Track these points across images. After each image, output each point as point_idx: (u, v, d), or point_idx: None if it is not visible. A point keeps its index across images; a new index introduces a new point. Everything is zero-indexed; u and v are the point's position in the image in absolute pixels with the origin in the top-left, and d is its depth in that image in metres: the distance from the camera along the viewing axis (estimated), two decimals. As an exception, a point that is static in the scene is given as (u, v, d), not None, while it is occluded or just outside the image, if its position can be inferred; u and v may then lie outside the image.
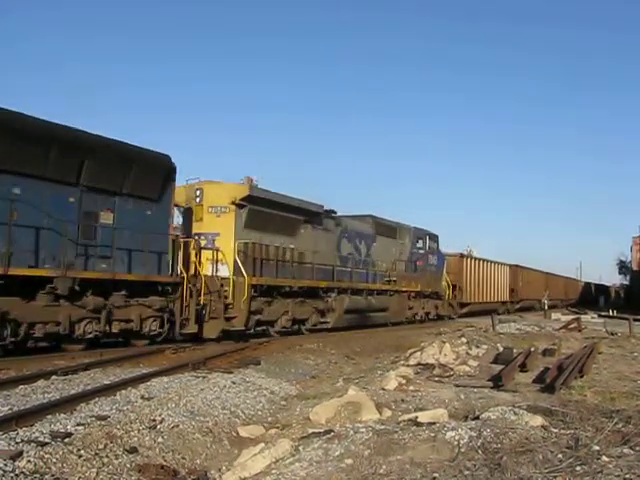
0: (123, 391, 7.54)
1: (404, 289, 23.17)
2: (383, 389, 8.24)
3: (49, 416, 6.02)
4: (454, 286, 28.77)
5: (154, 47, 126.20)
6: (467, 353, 12.36)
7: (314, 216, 17.75)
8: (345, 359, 13.26)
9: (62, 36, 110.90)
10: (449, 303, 28.41)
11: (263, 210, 15.59)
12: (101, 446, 5.29)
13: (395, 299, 22.50)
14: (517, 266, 41.31)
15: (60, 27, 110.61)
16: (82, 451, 5.10)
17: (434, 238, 26.82)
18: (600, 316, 30.69)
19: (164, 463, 5.38)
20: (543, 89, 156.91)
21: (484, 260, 34.45)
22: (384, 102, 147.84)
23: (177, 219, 14.73)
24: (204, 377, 8.84)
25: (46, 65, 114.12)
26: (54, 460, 4.84)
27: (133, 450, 5.40)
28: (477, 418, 5.86)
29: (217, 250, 14.51)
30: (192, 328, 13.13)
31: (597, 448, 4.56)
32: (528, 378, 9.24)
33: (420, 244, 25.43)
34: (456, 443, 4.77)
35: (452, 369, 10.11)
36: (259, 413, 7.57)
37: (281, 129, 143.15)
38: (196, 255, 13.63)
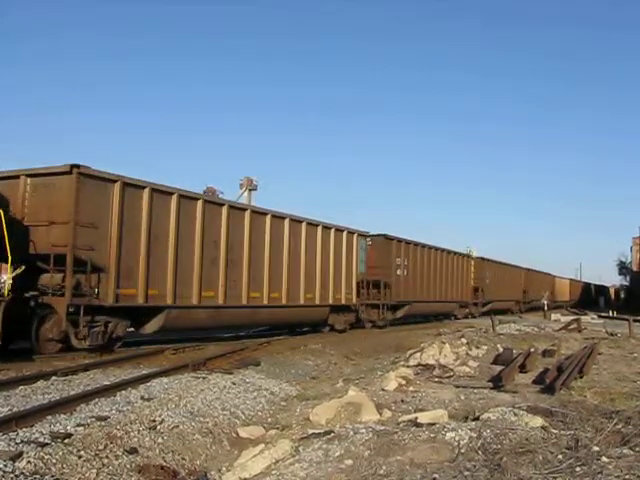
0: (123, 392, 7.53)
1: None
2: (383, 390, 8.23)
3: (49, 417, 6.02)
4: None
5: (153, 47, 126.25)
6: (467, 354, 12.35)
7: None
8: (345, 360, 13.26)
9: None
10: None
11: None
12: (101, 447, 5.29)
13: None
14: (387, 237, 21.90)
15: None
16: (82, 452, 5.10)
17: None
18: (600, 317, 30.74)
19: (164, 464, 5.39)
20: (543, 89, 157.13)
21: (280, 216, 16.19)
22: (384, 102, 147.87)
23: None
24: (204, 378, 8.83)
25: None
26: (54, 461, 4.85)
27: (133, 451, 5.40)
28: (477, 419, 5.86)
29: None
30: None
31: (597, 449, 4.56)
32: (528, 379, 9.23)
33: None
34: (456, 444, 4.77)
35: (452, 370, 10.10)
36: (259, 414, 7.57)
37: (280, 129, 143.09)
38: None
